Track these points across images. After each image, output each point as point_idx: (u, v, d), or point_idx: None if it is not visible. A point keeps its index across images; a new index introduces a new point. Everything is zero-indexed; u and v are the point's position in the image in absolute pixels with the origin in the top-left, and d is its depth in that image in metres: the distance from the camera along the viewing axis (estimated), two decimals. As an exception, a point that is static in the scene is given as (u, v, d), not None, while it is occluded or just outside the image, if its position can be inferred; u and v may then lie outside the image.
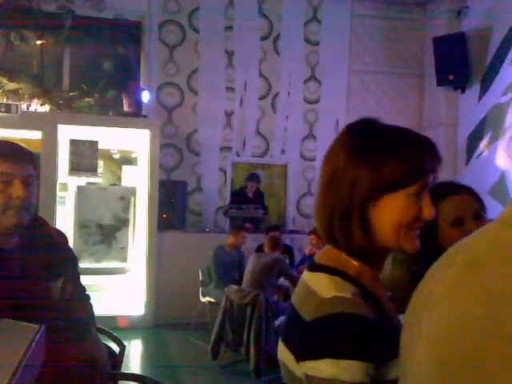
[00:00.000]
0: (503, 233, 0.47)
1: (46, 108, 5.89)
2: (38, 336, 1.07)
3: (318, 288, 0.85)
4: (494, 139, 6.22)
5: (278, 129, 7.06)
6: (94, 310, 1.67)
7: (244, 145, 6.97)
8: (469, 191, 1.29)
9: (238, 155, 6.97)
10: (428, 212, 0.87)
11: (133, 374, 1.83)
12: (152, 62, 6.67)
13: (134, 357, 4.72)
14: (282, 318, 4.11)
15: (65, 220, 6.06)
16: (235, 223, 5.74)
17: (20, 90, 5.83)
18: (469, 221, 1.23)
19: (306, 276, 0.92)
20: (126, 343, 1.95)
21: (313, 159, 7.12)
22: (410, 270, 1.18)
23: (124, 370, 2.01)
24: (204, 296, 5.36)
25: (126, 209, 6.08)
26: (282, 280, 4.82)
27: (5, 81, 5.80)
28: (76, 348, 1.46)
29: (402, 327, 0.60)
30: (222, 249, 5.38)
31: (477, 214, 1.24)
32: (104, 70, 6.22)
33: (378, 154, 0.86)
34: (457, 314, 0.45)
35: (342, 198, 0.87)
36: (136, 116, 6.00)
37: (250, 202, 6.53)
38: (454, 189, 1.28)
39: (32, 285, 1.39)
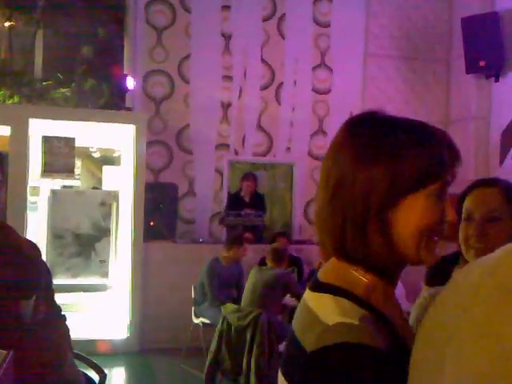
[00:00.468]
0: None
1: (15, 100, 5.91)
2: (6, 363, 1.08)
3: (321, 312, 0.85)
4: (533, 135, 6.22)
5: (282, 123, 7.07)
6: (71, 332, 1.68)
7: (243, 142, 6.98)
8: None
9: (236, 154, 6.98)
10: (451, 213, 0.89)
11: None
12: (137, 46, 6.69)
13: (117, 387, 4.72)
14: (287, 342, 4.11)
15: (36, 229, 6.07)
16: (234, 235, 5.73)
17: (-15, 79, 5.86)
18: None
19: (308, 296, 0.92)
20: (107, 371, 1.96)
21: (323, 158, 7.10)
22: None
23: (105, 401, 2.02)
24: (197, 317, 5.36)
25: (108, 216, 6.09)
26: (287, 298, 4.82)
27: (-33, 68, 5.82)
28: (49, 376, 1.47)
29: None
30: (217, 262, 5.37)
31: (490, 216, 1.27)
32: (82, 55, 6.23)
33: (393, 151, 0.86)
34: (495, 359, 0.46)
35: (355, 205, 0.87)
36: (119, 109, 6.02)
37: (246, 207, 6.53)
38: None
39: (-1, 304, 1.39)
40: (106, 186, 6.69)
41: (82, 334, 5.28)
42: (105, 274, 6.06)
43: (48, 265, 1.71)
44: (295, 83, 7.10)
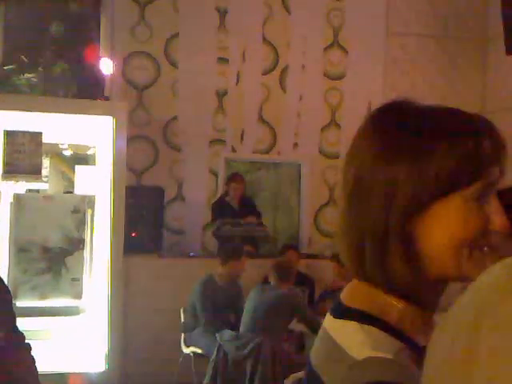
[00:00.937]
0: None
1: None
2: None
3: (347, 343, 0.84)
4: None
5: (288, 114, 7.07)
6: (38, 364, 1.66)
7: (242, 137, 6.99)
8: None
9: (233, 151, 6.99)
10: (500, 221, 0.85)
11: None
12: (116, 23, 6.70)
13: (92, 429, 4.69)
14: (295, 376, 4.10)
15: (-4, 241, 6.06)
16: (231, 247, 5.71)
17: None
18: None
19: (330, 323, 0.91)
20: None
21: (336, 156, 7.12)
22: None
23: None
24: (187, 345, 5.35)
25: (81, 225, 6.07)
26: (295, 323, 4.81)
27: None
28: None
29: None
30: (212, 280, 5.37)
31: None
32: (51, 34, 6.24)
33: (419, 145, 0.85)
34: None
35: (374, 213, 0.86)
36: (94, 98, 6.01)
37: (235, 216, 6.45)
38: None
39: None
40: (80, 189, 6.66)
41: (51, 366, 5.26)
42: (78, 295, 6.04)
43: (9, 284, 1.69)
44: (303, 67, 7.12)
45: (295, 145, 7.13)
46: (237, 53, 6.94)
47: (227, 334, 4.36)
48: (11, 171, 5.72)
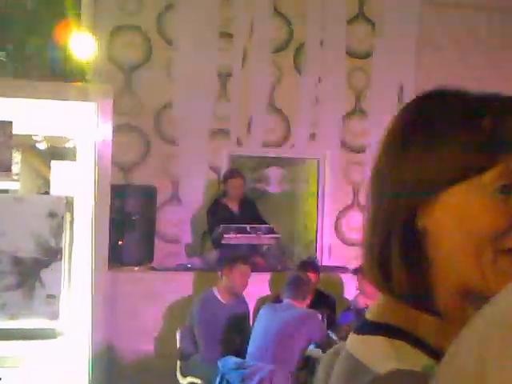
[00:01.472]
0: None
1: None
2: None
3: (368, 358, 0.85)
4: None
5: (304, 100, 7.05)
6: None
7: (249, 127, 6.97)
8: None
9: (239, 144, 6.98)
10: None
11: None
12: (99, -7, 6.69)
13: None
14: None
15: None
16: (230, 255, 5.69)
17: None
18: None
19: (352, 341, 0.93)
20: None
21: (361, 149, 7.10)
22: None
23: None
24: (185, 375, 5.32)
25: (58, 232, 6.07)
26: (311, 348, 4.78)
27: None
28: None
29: None
30: (213, 298, 5.36)
31: None
32: (23, 7, 6.24)
33: (434, 130, 0.87)
34: None
35: (384, 213, 0.89)
36: (74, 81, 6.02)
37: (235, 221, 6.42)
38: None
39: None
40: (56, 189, 6.67)
41: (23, 398, 5.28)
42: (54, 315, 6.04)
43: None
44: (321, 44, 7.09)
45: (312, 136, 7.11)
46: (242, 27, 6.92)
47: (231, 361, 4.33)
48: (-24, 168, 5.74)
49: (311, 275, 5.65)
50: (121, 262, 5.97)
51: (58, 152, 7.09)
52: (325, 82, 7.10)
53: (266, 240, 6.47)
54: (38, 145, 7.14)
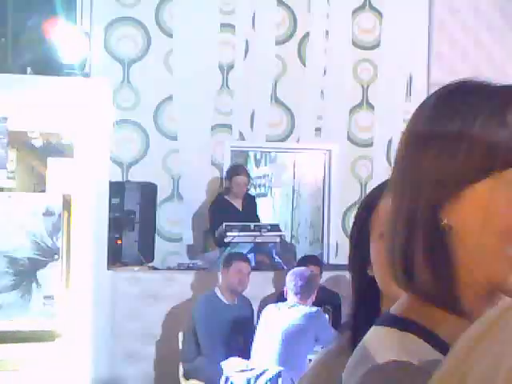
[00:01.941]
0: None
1: None
2: None
3: (375, 349, 0.89)
4: None
5: (309, 92, 7.06)
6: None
7: (252, 121, 6.98)
8: None
9: (241, 138, 7.00)
10: None
11: None
12: (96, -17, 6.74)
13: None
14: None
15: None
16: (229, 253, 5.78)
17: None
18: None
19: (369, 333, 0.96)
20: None
21: (368, 143, 7.11)
22: None
23: None
24: (187, 378, 5.37)
25: (56, 231, 6.08)
26: (318, 349, 4.74)
27: None
28: None
29: None
30: (215, 298, 5.42)
31: None
32: (16, -1, 6.25)
33: (459, 125, 0.88)
34: None
35: (407, 212, 0.91)
36: (71, 74, 5.99)
37: (238, 218, 6.47)
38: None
39: None
40: (53, 187, 6.69)
41: (19, 404, 5.27)
42: (52, 316, 6.05)
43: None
44: (327, 34, 7.10)
45: (318, 130, 7.12)
46: (245, 17, 6.93)
47: (235, 363, 4.39)
48: (-31, 166, 5.74)
49: (313, 269, 5.69)
50: (120, 261, 6.01)
51: (54, 149, 7.09)
52: (330, 74, 7.12)
53: (270, 238, 6.50)
54: (33, 141, 7.13)
